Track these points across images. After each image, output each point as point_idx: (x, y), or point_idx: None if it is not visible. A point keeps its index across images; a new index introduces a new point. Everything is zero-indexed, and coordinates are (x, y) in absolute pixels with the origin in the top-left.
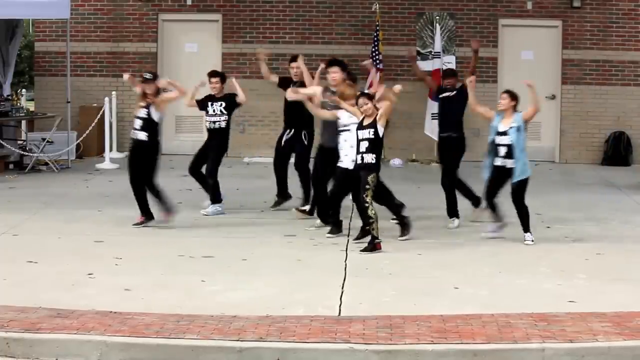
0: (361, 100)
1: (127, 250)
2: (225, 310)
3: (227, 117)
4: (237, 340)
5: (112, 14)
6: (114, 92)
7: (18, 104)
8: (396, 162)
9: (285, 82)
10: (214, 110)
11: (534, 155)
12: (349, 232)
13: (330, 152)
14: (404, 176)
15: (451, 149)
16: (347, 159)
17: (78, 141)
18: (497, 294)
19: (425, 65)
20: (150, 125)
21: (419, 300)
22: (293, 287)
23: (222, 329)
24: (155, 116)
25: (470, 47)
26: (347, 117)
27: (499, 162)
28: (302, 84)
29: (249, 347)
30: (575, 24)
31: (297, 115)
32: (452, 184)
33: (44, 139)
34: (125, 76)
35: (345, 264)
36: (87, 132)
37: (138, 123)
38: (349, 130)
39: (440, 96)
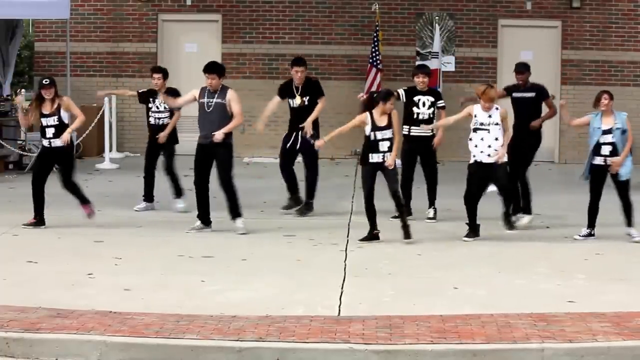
0: (392, 100)
1: (126, 250)
2: (225, 310)
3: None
4: (237, 340)
5: (112, 14)
6: None
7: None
8: (397, 162)
9: (285, 91)
10: (157, 107)
11: None
12: (348, 233)
13: None
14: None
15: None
16: (482, 155)
17: (78, 141)
18: (497, 294)
19: None
20: None
21: (419, 301)
22: (292, 287)
23: (222, 329)
24: None
25: (470, 48)
26: (485, 116)
27: (600, 160)
28: (306, 87)
29: (249, 347)
30: (574, 25)
31: (304, 119)
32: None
33: None
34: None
35: (345, 264)
36: (87, 132)
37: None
38: (487, 130)
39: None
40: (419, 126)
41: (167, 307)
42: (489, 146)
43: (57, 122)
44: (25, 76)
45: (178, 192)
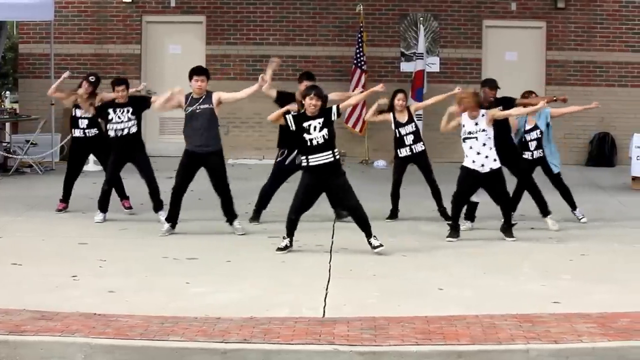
0: (401, 95)
1: (111, 252)
2: (210, 312)
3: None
4: (222, 342)
5: (96, 15)
6: None
7: (2, 106)
8: (380, 163)
9: (285, 98)
10: (118, 117)
11: None
12: (332, 234)
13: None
14: (388, 177)
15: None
16: (475, 164)
17: (62, 143)
18: (482, 295)
19: (409, 67)
20: None
21: (403, 302)
22: (277, 289)
23: (207, 331)
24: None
25: (455, 49)
26: (472, 124)
27: (528, 155)
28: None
29: (234, 349)
30: (559, 25)
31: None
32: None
33: (27, 141)
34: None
35: (330, 266)
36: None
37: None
38: (475, 138)
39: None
40: None
41: (152, 309)
42: (478, 153)
43: (91, 115)
44: (10, 78)
45: (158, 205)
